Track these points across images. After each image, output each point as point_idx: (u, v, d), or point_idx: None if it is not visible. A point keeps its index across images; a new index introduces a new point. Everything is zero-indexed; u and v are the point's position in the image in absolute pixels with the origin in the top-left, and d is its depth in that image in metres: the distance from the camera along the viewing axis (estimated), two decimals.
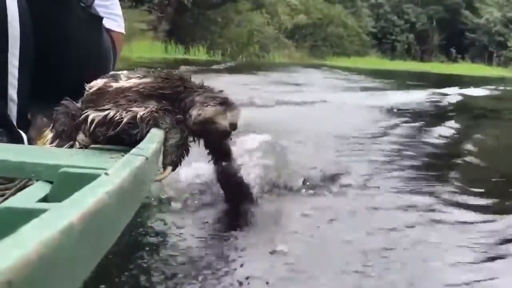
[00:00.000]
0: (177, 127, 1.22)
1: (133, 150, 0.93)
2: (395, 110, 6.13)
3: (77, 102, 1.25)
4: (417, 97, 8.17)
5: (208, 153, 1.68)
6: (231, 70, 12.24)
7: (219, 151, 1.70)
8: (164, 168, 1.21)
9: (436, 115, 6.36)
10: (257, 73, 11.76)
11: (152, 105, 1.19)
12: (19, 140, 1.54)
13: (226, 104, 1.27)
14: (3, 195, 1.06)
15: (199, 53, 19.37)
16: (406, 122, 5.30)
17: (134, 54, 15.49)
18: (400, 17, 33.72)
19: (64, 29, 1.71)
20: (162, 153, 1.19)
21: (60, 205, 0.51)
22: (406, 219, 2.03)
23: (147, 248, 1.67)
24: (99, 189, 0.58)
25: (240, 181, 1.95)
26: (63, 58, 1.66)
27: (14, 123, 1.57)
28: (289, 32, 25.59)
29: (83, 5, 1.73)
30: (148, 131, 1.14)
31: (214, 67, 13.34)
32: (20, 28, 1.53)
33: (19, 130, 1.57)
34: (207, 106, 1.27)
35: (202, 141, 1.44)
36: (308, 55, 26.13)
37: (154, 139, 1.09)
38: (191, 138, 1.31)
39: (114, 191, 0.61)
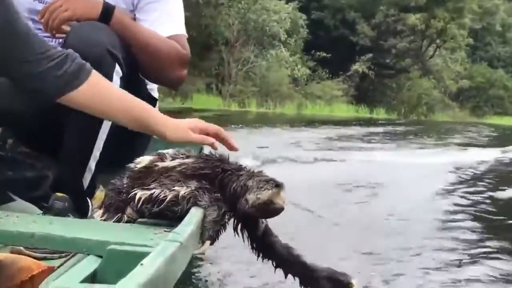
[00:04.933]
0: (215, 204, 1.27)
1: (170, 235, 1.00)
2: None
3: (123, 178, 1.32)
4: None
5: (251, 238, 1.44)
6: (405, 125, 16.57)
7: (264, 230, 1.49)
8: (203, 242, 1.25)
9: None
10: (421, 128, 15.30)
11: (193, 185, 1.27)
12: (86, 206, 1.60)
13: (279, 185, 1.30)
14: (53, 259, 1.17)
15: (380, 113, 24.09)
16: None
17: (335, 113, 20.98)
18: None
19: None
20: (201, 229, 1.22)
21: None
22: None
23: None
24: (133, 281, 0.67)
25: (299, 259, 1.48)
26: (133, 138, 1.60)
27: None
28: (453, 94, 28.09)
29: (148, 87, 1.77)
30: (188, 208, 1.24)
31: (397, 121, 18.27)
32: None
33: (87, 198, 1.60)
34: (264, 190, 1.31)
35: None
36: (470, 114, 28.12)
37: (192, 219, 1.17)
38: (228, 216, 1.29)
39: (147, 283, 0.69)
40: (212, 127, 1.39)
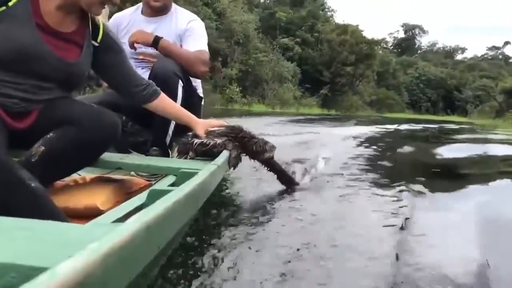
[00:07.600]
0: (235, 148, 1.96)
1: (212, 163, 1.43)
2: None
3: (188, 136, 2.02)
4: None
5: (265, 167, 2.71)
6: (344, 116, 27.71)
7: (271, 164, 2.70)
8: (229, 167, 1.95)
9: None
10: (350, 117, 21.91)
11: (224, 139, 1.95)
12: (167, 153, 2.32)
13: (275, 147, 2.37)
14: (151, 181, 1.69)
15: (333, 112, 35.74)
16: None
17: (313, 112, 30.42)
18: None
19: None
20: (228, 161, 1.87)
21: (169, 195, 0.85)
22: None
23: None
24: (194, 182, 0.98)
25: (284, 171, 2.92)
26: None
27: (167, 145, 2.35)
28: (368, 103, 40.95)
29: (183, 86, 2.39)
30: (221, 150, 1.86)
31: (340, 115, 33.34)
32: (181, 96, 2.32)
33: (168, 150, 2.34)
34: (272, 151, 2.31)
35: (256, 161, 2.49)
36: (376, 112, 38.89)
37: (223, 156, 1.74)
38: (244, 155, 2.18)
39: (201, 183, 1.02)
40: (217, 123, 2.07)
